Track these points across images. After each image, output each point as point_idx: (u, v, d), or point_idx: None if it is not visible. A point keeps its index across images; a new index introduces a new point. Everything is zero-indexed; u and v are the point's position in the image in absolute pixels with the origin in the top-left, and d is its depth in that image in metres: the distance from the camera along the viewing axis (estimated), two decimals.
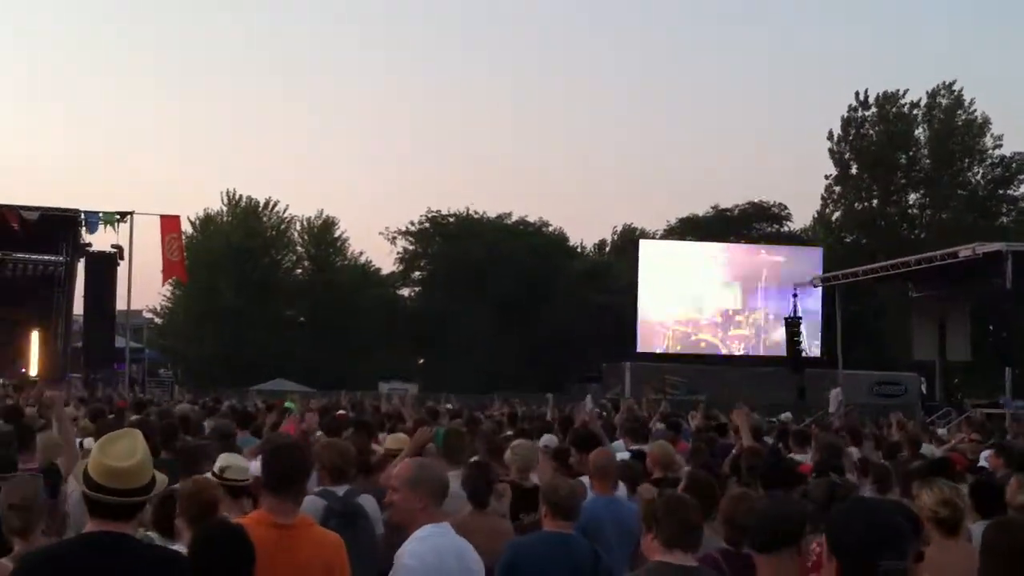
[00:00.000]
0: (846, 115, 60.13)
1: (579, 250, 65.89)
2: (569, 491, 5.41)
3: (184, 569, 3.70)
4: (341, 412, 13.40)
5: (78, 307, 34.98)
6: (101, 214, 32.53)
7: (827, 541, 2.90)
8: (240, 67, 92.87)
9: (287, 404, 14.36)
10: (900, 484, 7.52)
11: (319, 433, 9.67)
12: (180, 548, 4.24)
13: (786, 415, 21.49)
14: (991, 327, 31.08)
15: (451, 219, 60.28)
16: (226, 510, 5.13)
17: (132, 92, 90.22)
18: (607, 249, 67.64)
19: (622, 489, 6.94)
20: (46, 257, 34.01)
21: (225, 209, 60.22)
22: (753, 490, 5.98)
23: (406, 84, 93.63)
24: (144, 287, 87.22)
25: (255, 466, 5.63)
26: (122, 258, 32.72)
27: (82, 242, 33.18)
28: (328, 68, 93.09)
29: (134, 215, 32.83)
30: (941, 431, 19.09)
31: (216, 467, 5.98)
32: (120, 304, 33.91)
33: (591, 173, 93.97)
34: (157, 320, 59.22)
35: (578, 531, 5.79)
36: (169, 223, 34.48)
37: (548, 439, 9.44)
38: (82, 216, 32.18)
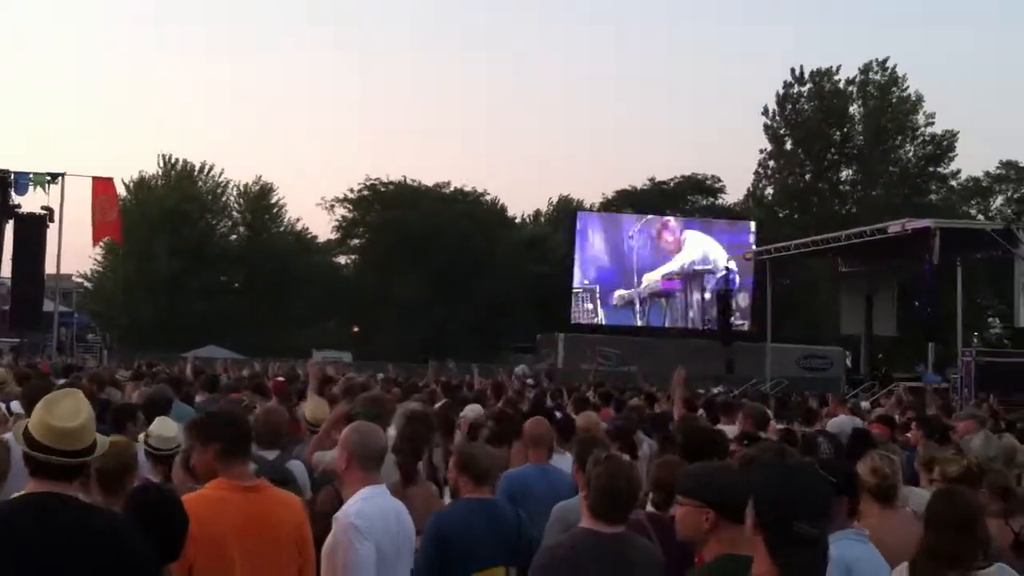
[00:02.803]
0: (782, 91, 60.77)
1: (516, 221, 65.97)
2: (487, 457, 5.45)
3: (129, 527, 3.71)
4: (280, 379, 13.42)
5: (5, 270, 34.32)
6: (31, 175, 31.94)
7: (752, 508, 2.95)
8: (180, 32, 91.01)
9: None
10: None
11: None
12: None
13: (717, 389, 21.85)
14: (917, 303, 31.73)
15: (390, 187, 59.96)
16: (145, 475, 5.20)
17: (74, 53, 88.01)
18: (543, 220, 67.81)
19: (566, 459, 6.91)
20: None
21: (160, 172, 59.31)
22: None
23: (347, 52, 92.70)
24: (75, 251, 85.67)
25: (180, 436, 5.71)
26: (52, 220, 32.14)
27: (11, 203, 32.48)
28: (270, 36, 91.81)
29: (65, 176, 32.32)
30: (864, 403, 19.59)
31: (146, 432, 6.05)
32: (50, 268, 33.36)
33: (529, 144, 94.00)
34: (88, 284, 58.23)
35: (506, 497, 5.89)
36: (101, 185, 33.97)
37: (471, 408, 9.50)
38: (12, 176, 31.54)
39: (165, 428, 6.14)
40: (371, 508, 4.52)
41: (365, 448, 4.67)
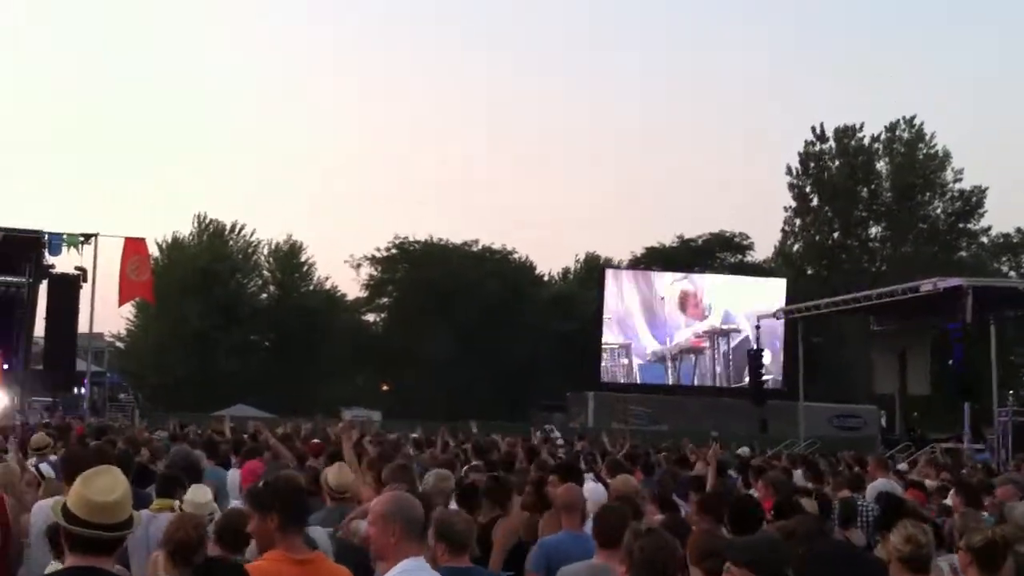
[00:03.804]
0: (803, 150, 60.89)
1: (544, 279, 66.11)
2: (464, 524, 5.36)
3: None
4: (316, 441, 13.42)
5: (39, 329, 34.63)
6: (65, 235, 32.29)
7: None
8: (206, 88, 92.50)
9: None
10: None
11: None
12: None
13: (743, 449, 21.60)
14: (950, 361, 31.39)
15: (417, 245, 60.32)
16: None
17: (102, 112, 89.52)
18: (571, 277, 67.89)
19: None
20: (8, 278, 33.62)
21: (193, 232, 60.02)
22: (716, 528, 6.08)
23: (374, 109, 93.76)
24: (107, 310, 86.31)
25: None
26: (85, 280, 32.46)
27: (45, 263, 32.86)
28: (298, 94, 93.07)
29: (98, 237, 32.65)
30: (901, 466, 19.28)
31: (182, 498, 6.08)
32: (83, 327, 33.63)
33: (557, 201, 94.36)
34: (119, 344, 58.69)
35: (544, 565, 5.82)
36: (134, 245, 34.29)
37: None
38: (46, 237, 31.93)
39: (199, 495, 6.16)
40: None
41: (409, 519, 4.59)
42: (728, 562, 3.93)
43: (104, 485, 3.71)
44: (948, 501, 10.11)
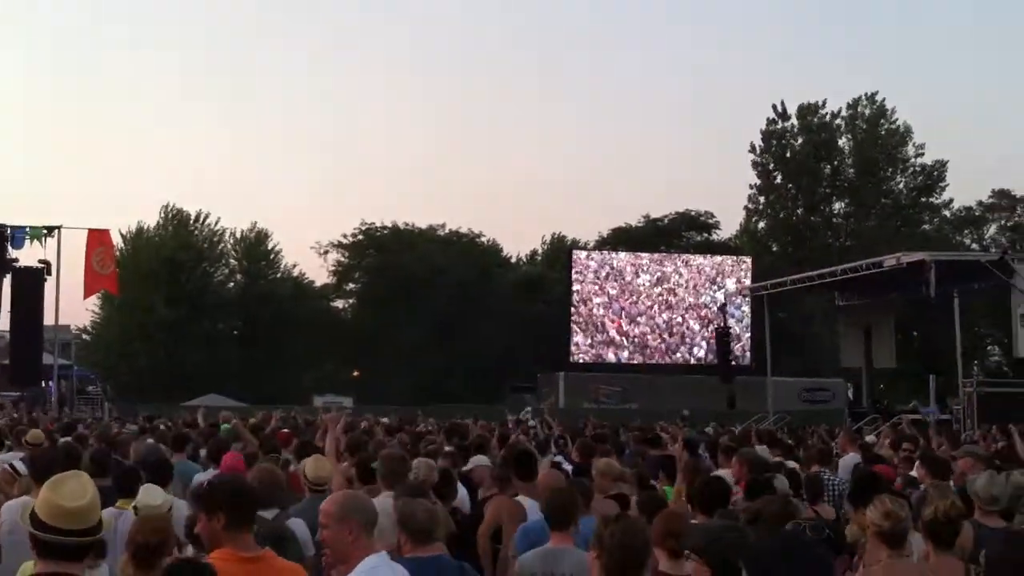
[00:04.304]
0: (766, 128, 61.14)
1: (512, 260, 66.16)
2: (425, 514, 5.35)
3: None
4: (285, 431, 13.34)
5: (4, 323, 34.28)
6: (28, 228, 31.98)
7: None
8: (172, 79, 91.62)
9: (223, 426, 14.10)
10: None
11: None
12: None
13: (710, 428, 21.77)
14: (915, 334, 31.76)
15: (384, 231, 60.18)
16: None
17: (62, 104, 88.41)
18: (538, 259, 67.98)
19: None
20: None
21: (157, 222, 59.55)
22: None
23: (336, 97, 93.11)
24: (74, 303, 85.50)
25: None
26: (49, 273, 32.16)
27: (8, 257, 32.52)
28: (259, 82, 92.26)
29: (62, 229, 32.35)
30: (869, 438, 19.50)
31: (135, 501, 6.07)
32: (48, 320, 33.32)
33: (523, 184, 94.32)
34: (85, 336, 58.21)
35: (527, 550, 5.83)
36: (97, 236, 34.00)
37: (477, 460, 9.48)
38: (8, 231, 31.60)
39: (151, 496, 6.13)
40: None
41: (367, 516, 4.56)
42: (688, 550, 4.01)
43: (73, 490, 3.69)
44: (914, 473, 10.23)
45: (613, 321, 46.61)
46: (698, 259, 49.79)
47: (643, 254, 49.56)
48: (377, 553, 4.54)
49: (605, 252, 52.67)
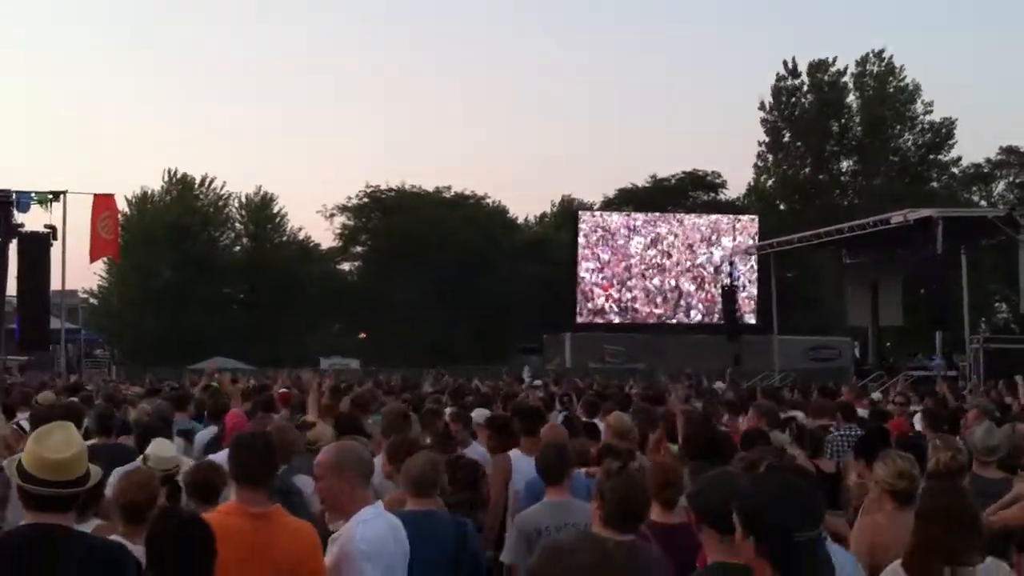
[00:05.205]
0: (775, 84, 60.76)
1: (519, 222, 66.04)
2: (421, 467, 5.30)
3: (126, 560, 3.72)
4: (284, 390, 13.33)
5: (11, 289, 34.36)
6: (33, 194, 31.99)
7: (739, 518, 3.00)
8: (176, 44, 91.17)
9: (211, 383, 13.87)
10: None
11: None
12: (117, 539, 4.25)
13: (718, 384, 21.78)
14: (923, 291, 31.59)
15: (390, 193, 60.04)
16: None
17: (73, 70, 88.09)
18: (546, 221, 67.87)
19: None
20: None
21: (162, 187, 59.51)
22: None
23: (341, 59, 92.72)
24: (80, 268, 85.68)
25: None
26: (55, 238, 32.20)
27: (14, 222, 32.55)
28: (264, 45, 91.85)
29: (67, 194, 32.36)
30: (875, 395, 19.53)
31: (143, 455, 6.10)
32: (55, 285, 33.42)
33: (530, 145, 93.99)
34: (93, 301, 58.37)
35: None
36: (103, 201, 34.02)
37: (479, 413, 9.47)
38: (14, 196, 31.59)
39: (162, 448, 6.16)
40: (374, 531, 4.40)
41: (363, 467, 4.55)
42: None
43: (58, 442, 3.66)
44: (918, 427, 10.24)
45: (618, 280, 46.50)
46: (705, 218, 49.41)
47: (649, 213, 49.31)
48: (373, 504, 4.54)
49: (611, 212, 52.46)
